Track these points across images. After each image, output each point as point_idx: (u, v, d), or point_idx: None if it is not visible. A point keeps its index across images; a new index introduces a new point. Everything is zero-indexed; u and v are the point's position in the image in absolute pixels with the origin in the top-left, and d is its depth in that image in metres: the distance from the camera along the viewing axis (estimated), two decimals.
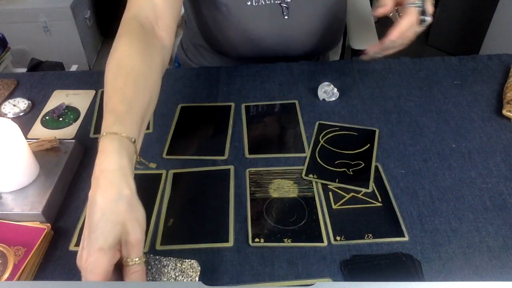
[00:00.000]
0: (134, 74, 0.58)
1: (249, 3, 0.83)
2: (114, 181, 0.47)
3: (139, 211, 0.49)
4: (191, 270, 0.53)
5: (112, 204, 0.46)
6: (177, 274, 0.52)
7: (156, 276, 0.52)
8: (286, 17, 0.86)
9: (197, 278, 0.52)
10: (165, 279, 0.52)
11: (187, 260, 0.54)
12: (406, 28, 0.71)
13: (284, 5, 0.85)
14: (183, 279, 0.52)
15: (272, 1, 0.84)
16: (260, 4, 0.84)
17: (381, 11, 0.72)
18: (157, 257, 0.54)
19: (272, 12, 0.85)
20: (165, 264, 0.53)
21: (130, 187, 0.48)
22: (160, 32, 0.68)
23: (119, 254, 0.47)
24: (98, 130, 0.77)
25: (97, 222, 0.45)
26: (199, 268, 0.53)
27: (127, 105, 0.54)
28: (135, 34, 0.64)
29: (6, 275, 0.52)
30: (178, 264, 0.53)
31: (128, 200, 0.47)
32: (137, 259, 0.47)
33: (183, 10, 1.01)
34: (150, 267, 0.53)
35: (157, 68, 0.64)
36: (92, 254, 0.44)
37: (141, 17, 0.67)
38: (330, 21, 0.90)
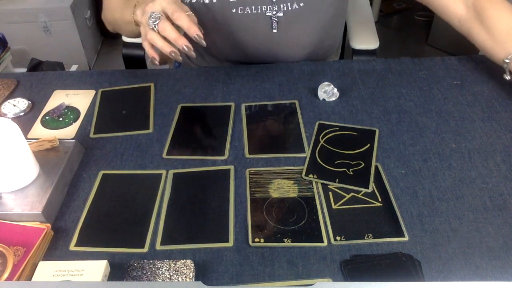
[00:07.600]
0: None
1: (234, 10, 0.83)
2: None
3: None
4: (185, 268, 0.53)
5: None
6: (171, 274, 0.53)
7: (152, 279, 0.52)
8: (274, 30, 0.85)
9: (192, 275, 0.52)
10: (160, 280, 0.52)
11: (181, 260, 0.54)
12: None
13: (274, 18, 0.84)
14: (178, 278, 0.52)
15: (259, 11, 0.83)
16: (246, 12, 0.83)
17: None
18: (151, 261, 0.54)
19: (260, 23, 0.85)
20: (159, 266, 0.53)
21: None
22: None
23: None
24: (98, 130, 0.77)
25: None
26: (193, 265, 0.53)
27: None
28: None
29: (6, 275, 0.52)
30: (171, 265, 0.54)
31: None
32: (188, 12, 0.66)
33: None
34: (144, 272, 0.53)
35: None
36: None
37: None
38: (322, 37, 0.90)
